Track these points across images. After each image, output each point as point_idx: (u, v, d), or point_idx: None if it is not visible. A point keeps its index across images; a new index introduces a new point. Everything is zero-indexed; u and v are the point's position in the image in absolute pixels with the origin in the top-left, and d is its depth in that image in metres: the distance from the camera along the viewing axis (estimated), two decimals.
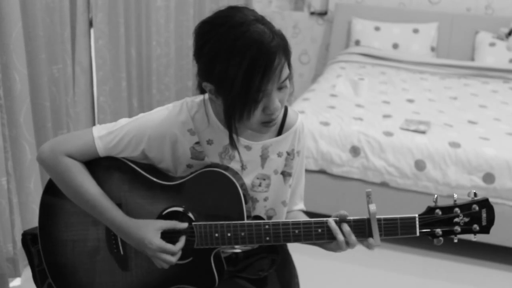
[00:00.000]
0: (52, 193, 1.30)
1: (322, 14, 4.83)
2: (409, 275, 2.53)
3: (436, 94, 3.46)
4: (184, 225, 1.21)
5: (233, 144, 1.18)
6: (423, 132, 2.69)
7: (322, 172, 2.75)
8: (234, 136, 1.22)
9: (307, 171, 2.72)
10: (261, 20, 1.08)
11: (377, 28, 4.39)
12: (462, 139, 2.62)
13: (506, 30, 4.13)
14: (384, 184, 2.66)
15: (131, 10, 3.12)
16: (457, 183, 2.53)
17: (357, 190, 2.68)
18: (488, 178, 2.50)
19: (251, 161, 1.28)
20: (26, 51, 2.19)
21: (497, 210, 2.88)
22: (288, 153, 1.32)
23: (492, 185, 2.50)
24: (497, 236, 2.56)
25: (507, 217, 2.52)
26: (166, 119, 1.23)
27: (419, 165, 2.58)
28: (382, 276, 2.51)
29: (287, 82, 1.13)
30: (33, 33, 2.23)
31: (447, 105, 3.21)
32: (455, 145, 2.57)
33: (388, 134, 2.67)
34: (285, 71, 1.10)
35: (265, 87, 1.07)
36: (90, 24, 2.85)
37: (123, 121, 1.25)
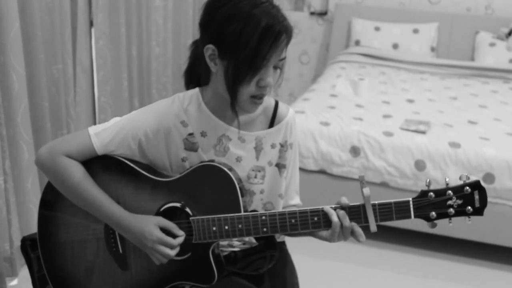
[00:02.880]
0: (51, 199, 1.30)
1: (322, 14, 4.82)
2: (409, 275, 2.52)
3: (436, 94, 3.45)
4: (181, 232, 1.21)
5: (234, 110, 1.20)
6: (423, 132, 2.68)
7: (322, 172, 2.74)
8: (227, 126, 1.27)
9: (307, 171, 2.72)
10: (277, 7, 1.18)
11: (377, 28, 4.39)
12: (462, 139, 2.62)
13: (506, 30, 4.12)
14: (384, 184, 2.66)
15: (132, 10, 3.12)
16: (457, 183, 2.52)
17: (357, 190, 2.66)
18: (488, 178, 2.49)
19: (246, 153, 1.30)
20: (24, 51, 2.19)
21: (497, 210, 2.88)
22: (281, 145, 1.34)
23: (492, 185, 2.49)
24: (497, 236, 2.55)
25: (507, 217, 2.52)
26: (159, 112, 1.25)
27: (419, 165, 2.57)
28: (382, 276, 2.51)
29: (281, 65, 1.20)
30: (32, 33, 2.22)
31: (447, 105, 3.21)
32: (455, 145, 2.57)
33: (388, 134, 2.66)
34: (284, 52, 1.18)
35: (270, 56, 1.14)
36: (91, 24, 2.85)
37: (117, 118, 1.28)
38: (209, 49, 1.16)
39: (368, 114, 2.91)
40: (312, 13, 4.83)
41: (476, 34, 4.30)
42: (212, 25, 1.15)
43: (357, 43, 4.43)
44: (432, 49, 4.33)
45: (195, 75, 1.30)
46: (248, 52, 1.11)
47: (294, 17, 4.86)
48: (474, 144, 2.57)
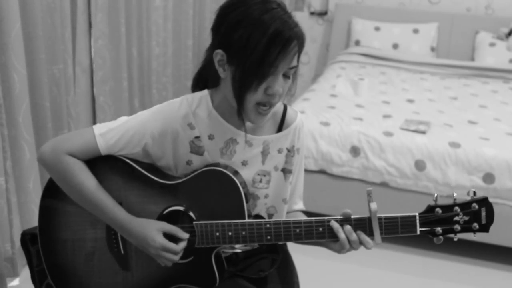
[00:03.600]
0: (52, 194, 1.29)
1: (322, 14, 4.83)
2: (409, 275, 2.53)
3: (436, 94, 3.45)
4: (186, 235, 1.21)
5: (240, 116, 1.19)
6: (423, 132, 2.68)
7: (322, 172, 2.74)
8: (235, 129, 1.25)
9: (307, 171, 2.72)
10: (286, 9, 1.16)
11: (377, 28, 4.39)
12: (462, 139, 2.62)
13: (506, 30, 4.13)
14: (384, 184, 2.66)
15: (132, 10, 3.12)
16: (457, 183, 2.53)
17: (357, 190, 2.67)
18: (488, 178, 2.50)
19: (252, 157, 1.29)
20: (25, 51, 2.19)
21: (497, 210, 2.87)
22: (288, 150, 1.32)
23: (492, 185, 2.50)
24: (497, 236, 2.55)
25: (507, 217, 2.52)
26: (167, 114, 1.24)
27: (419, 165, 2.57)
28: (382, 276, 2.51)
29: (292, 73, 1.17)
30: (33, 33, 2.22)
31: (447, 105, 3.21)
32: (455, 145, 2.57)
33: (388, 134, 2.67)
34: (295, 60, 1.15)
35: (278, 63, 1.11)
36: (90, 24, 2.85)
37: (124, 118, 1.26)
38: (218, 54, 1.15)
39: (368, 114, 2.91)
40: (312, 13, 4.83)
41: (476, 34, 4.30)
42: (222, 30, 1.14)
43: (357, 43, 4.43)
44: (432, 49, 4.33)
45: (203, 79, 1.29)
46: (255, 58, 1.09)
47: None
48: (474, 144, 2.57)
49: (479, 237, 2.59)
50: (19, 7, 2.10)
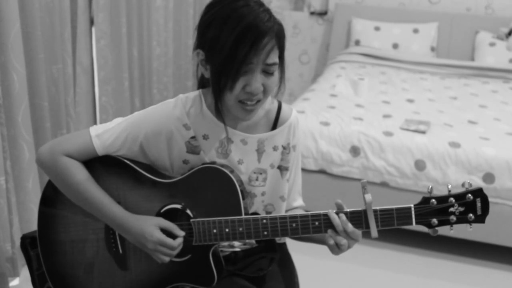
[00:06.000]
0: (51, 199, 1.30)
1: (322, 14, 4.83)
2: (409, 275, 2.53)
3: (436, 94, 3.45)
4: (182, 233, 1.21)
5: (219, 113, 1.19)
6: (423, 132, 2.68)
7: (322, 172, 2.74)
8: (230, 129, 1.25)
9: (307, 171, 2.72)
10: (263, 5, 1.13)
11: (377, 28, 4.39)
12: (462, 139, 2.62)
13: (506, 30, 4.13)
14: (384, 184, 2.66)
15: (133, 10, 3.12)
16: (457, 183, 2.53)
17: (357, 190, 2.67)
18: (488, 178, 2.50)
19: (247, 156, 1.29)
20: (24, 51, 2.19)
21: (497, 210, 2.87)
22: (284, 147, 1.33)
23: (492, 185, 2.50)
24: (497, 236, 2.55)
25: (507, 217, 2.52)
26: (161, 115, 1.25)
27: (419, 165, 2.57)
28: (382, 276, 2.51)
29: (274, 69, 1.15)
30: (32, 33, 2.22)
31: (447, 105, 3.21)
32: (455, 145, 2.57)
33: (388, 134, 2.67)
34: (273, 55, 1.13)
35: (250, 60, 1.09)
36: (91, 24, 2.85)
37: (119, 119, 1.28)
38: (199, 54, 1.17)
39: (368, 114, 2.91)
40: (312, 13, 4.83)
41: (476, 34, 4.30)
42: (200, 29, 1.15)
43: (357, 43, 4.43)
44: (432, 49, 4.33)
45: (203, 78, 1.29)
46: (225, 57, 1.08)
47: (294, 17, 4.87)
48: (474, 144, 2.57)
49: (479, 237, 2.61)
50: (19, 7, 2.10)
